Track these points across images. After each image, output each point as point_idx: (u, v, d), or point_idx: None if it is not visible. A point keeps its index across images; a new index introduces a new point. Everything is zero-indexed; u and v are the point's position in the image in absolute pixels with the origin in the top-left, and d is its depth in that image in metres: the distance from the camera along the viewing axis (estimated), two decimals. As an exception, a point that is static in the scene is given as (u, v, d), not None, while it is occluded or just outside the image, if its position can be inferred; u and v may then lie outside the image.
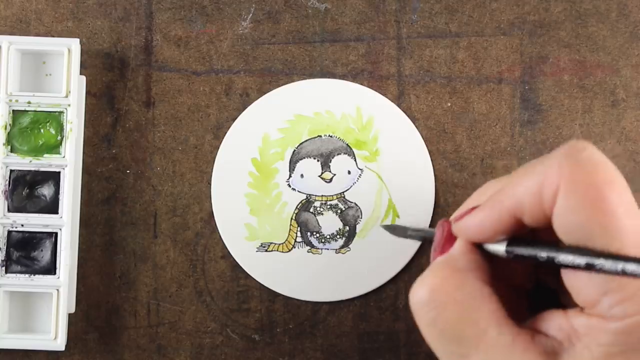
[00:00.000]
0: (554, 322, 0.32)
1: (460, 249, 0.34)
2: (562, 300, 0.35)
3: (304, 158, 0.48)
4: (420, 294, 0.33)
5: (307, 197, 0.48)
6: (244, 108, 0.48)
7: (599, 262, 0.29)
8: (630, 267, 0.29)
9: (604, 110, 0.48)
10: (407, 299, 0.47)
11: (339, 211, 0.48)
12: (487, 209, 0.33)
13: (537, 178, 0.31)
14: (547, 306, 0.35)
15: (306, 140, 0.48)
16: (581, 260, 0.30)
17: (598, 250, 0.30)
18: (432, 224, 0.47)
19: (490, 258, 0.34)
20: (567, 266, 0.31)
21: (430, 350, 0.45)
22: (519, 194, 0.31)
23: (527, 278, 0.37)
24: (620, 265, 0.29)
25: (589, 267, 0.30)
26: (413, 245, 0.47)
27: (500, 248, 0.33)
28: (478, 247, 0.34)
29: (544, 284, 0.37)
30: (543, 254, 0.32)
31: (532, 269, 0.37)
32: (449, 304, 0.32)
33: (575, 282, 0.31)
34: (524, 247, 0.33)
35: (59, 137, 0.46)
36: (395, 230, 0.42)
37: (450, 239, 0.35)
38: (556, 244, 0.32)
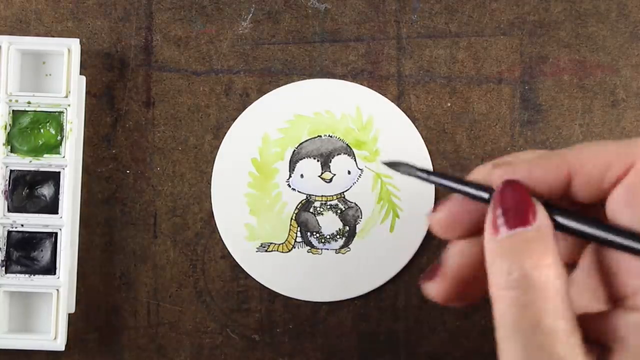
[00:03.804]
0: (596, 326, 0.30)
1: (545, 219, 0.30)
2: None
3: (304, 158, 0.48)
4: (516, 275, 0.29)
5: (307, 197, 0.48)
6: (244, 108, 0.48)
7: None
8: None
9: (604, 110, 0.48)
10: (407, 299, 0.47)
11: (339, 211, 0.48)
12: (546, 160, 0.30)
13: (609, 149, 0.29)
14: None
15: (306, 140, 0.48)
16: (635, 244, 0.29)
17: None
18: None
19: None
20: (615, 247, 0.29)
21: (430, 350, 0.45)
22: (585, 156, 0.30)
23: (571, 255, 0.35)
24: None
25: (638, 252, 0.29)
26: (413, 245, 0.47)
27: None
28: None
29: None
30: (589, 229, 0.30)
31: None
32: (544, 292, 0.29)
33: (618, 267, 0.30)
34: (571, 219, 0.30)
35: (59, 137, 0.46)
36: (400, 167, 0.35)
37: (524, 201, 0.31)
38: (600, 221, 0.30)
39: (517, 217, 0.30)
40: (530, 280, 0.29)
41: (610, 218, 0.30)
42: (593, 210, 0.31)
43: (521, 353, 0.29)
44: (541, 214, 0.30)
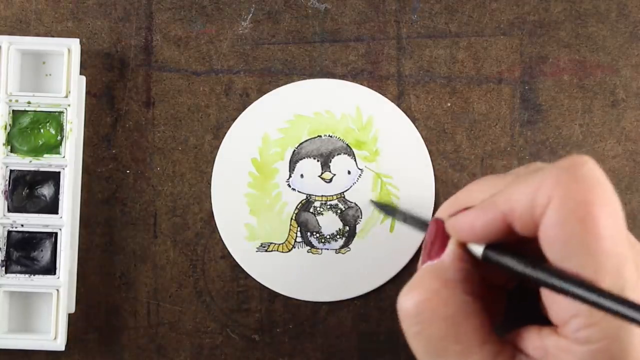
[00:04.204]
0: (531, 341, 0.32)
1: (451, 255, 0.34)
2: (542, 306, 0.35)
3: (304, 158, 0.48)
4: (407, 304, 0.33)
5: (307, 197, 0.48)
6: (244, 108, 0.48)
7: (575, 289, 0.29)
8: (602, 300, 0.28)
9: (604, 110, 0.48)
10: (407, 299, 0.47)
11: (338, 211, 0.48)
12: (480, 210, 0.32)
13: (532, 186, 0.30)
14: (527, 307, 0.35)
15: (306, 140, 0.48)
16: (554, 281, 0.30)
17: (574, 276, 0.29)
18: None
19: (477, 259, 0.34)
20: (541, 284, 0.31)
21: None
22: (513, 199, 0.31)
23: (509, 279, 0.37)
24: (594, 297, 0.29)
25: (560, 290, 0.30)
26: (413, 245, 0.47)
27: (479, 250, 0.33)
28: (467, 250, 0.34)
29: (526, 285, 0.37)
30: (518, 267, 0.32)
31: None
32: (434, 321, 0.32)
33: (550, 299, 0.31)
34: (502, 255, 0.32)
35: (59, 137, 0.46)
36: (385, 208, 0.42)
37: (442, 239, 0.34)
38: (535, 259, 0.31)
39: (430, 251, 0.34)
40: (421, 309, 0.32)
41: (544, 254, 0.31)
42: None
43: None
44: (449, 251, 0.34)
